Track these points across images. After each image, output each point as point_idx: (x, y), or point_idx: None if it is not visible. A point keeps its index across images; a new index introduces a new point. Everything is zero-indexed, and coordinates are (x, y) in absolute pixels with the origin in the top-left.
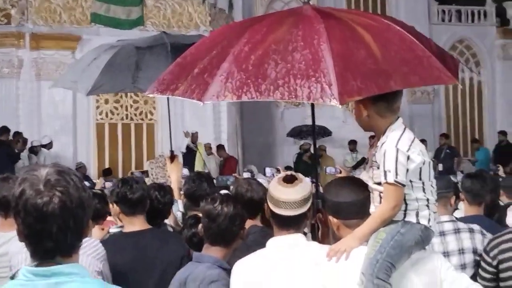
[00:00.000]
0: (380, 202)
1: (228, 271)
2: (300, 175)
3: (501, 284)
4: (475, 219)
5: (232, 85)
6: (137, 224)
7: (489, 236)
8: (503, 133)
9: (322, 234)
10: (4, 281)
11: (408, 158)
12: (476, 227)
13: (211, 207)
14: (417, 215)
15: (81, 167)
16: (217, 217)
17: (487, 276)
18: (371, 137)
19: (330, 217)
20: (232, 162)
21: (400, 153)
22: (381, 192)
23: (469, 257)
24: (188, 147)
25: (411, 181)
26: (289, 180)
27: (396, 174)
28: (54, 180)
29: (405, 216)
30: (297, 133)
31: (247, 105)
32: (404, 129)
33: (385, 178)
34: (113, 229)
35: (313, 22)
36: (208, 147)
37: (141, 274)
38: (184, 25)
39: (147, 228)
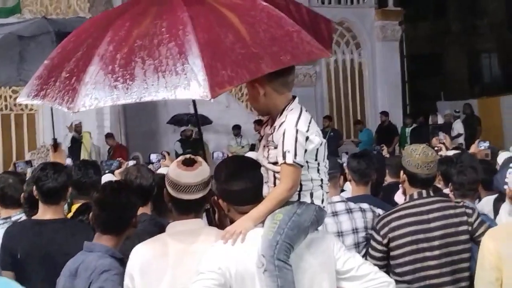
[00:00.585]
0: (275, 182)
1: (120, 260)
2: (199, 158)
3: (392, 262)
4: (363, 198)
5: (103, 91)
6: (49, 213)
7: (379, 212)
8: (384, 113)
9: (219, 218)
10: None
11: (307, 139)
12: (365, 205)
13: (101, 195)
14: (311, 195)
15: None
16: (108, 205)
17: (377, 254)
18: (256, 122)
19: (220, 200)
20: (122, 150)
21: (300, 134)
22: (276, 173)
23: (362, 236)
24: (73, 138)
25: (307, 162)
26: (189, 163)
27: (295, 154)
28: None
29: (299, 197)
30: (177, 121)
31: None
32: (301, 109)
33: (284, 158)
34: None
35: (177, 10)
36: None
37: (37, 263)
38: (62, 12)
39: (58, 218)
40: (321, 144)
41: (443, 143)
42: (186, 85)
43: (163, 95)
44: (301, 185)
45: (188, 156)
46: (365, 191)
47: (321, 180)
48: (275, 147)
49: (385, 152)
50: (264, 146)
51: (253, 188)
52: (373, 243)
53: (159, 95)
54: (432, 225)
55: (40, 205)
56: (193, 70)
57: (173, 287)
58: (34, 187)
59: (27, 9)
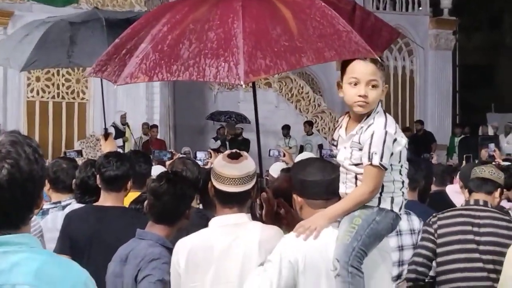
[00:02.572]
0: (356, 184)
1: (170, 250)
2: (245, 153)
3: (437, 259)
4: (410, 204)
5: (146, 66)
6: (109, 201)
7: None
8: (420, 122)
9: (266, 214)
10: None
11: (395, 140)
12: (412, 213)
13: (157, 185)
14: (392, 201)
15: None
16: (163, 195)
17: (430, 245)
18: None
19: (295, 196)
20: (162, 144)
21: (389, 136)
22: (358, 174)
23: (406, 239)
24: (116, 128)
25: (391, 165)
26: (234, 156)
27: (382, 157)
28: (5, 152)
29: (379, 202)
30: (215, 116)
31: (180, 86)
32: (385, 112)
33: (370, 160)
34: (47, 205)
35: (233, 0)
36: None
37: (96, 248)
38: (119, 4)
39: (119, 206)
40: (405, 145)
41: (493, 155)
42: (222, 68)
43: (198, 76)
44: (382, 186)
45: (234, 150)
46: (412, 197)
47: (403, 182)
48: (360, 149)
49: (434, 160)
50: (345, 148)
51: (329, 182)
52: (424, 234)
53: (195, 75)
54: (482, 230)
55: (102, 192)
56: (232, 56)
57: (217, 280)
58: (97, 174)
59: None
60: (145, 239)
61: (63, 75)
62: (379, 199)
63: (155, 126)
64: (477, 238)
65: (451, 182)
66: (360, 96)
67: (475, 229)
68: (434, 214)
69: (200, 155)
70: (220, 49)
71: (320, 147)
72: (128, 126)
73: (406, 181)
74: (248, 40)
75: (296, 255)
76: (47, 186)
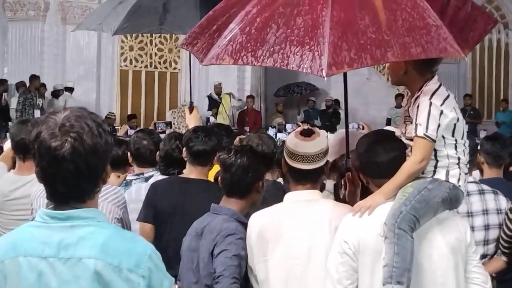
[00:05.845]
0: None
1: (245, 225)
2: (317, 129)
3: None
4: (496, 181)
5: (232, 48)
6: (194, 174)
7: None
8: None
9: (349, 193)
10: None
11: (442, 113)
12: (499, 193)
13: (226, 156)
14: (447, 173)
15: (110, 118)
16: (231, 167)
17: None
18: (398, 95)
19: (361, 176)
20: (257, 114)
21: (434, 107)
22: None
23: (492, 218)
24: (211, 98)
25: (443, 137)
26: (307, 133)
27: (427, 128)
28: (69, 125)
29: (434, 174)
30: (284, 90)
31: None
32: (440, 85)
33: (416, 131)
34: (130, 177)
35: None
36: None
37: (179, 219)
38: None
39: (203, 179)
40: (458, 120)
41: None
42: (306, 57)
43: (282, 64)
44: (436, 160)
45: (306, 126)
46: (498, 174)
47: (458, 158)
48: (412, 122)
49: None
50: (403, 122)
51: (390, 161)
52: (508, 223)
53: (279, 62)
54: None
55: (188, 165)
56: (317, 45)
57: (286, 255)
58: (185, 148)
59: None
60: (220, 214)
61: (155, 45)
62: (434, 171)
63: (251, 97)
64: None
65: None
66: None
67: None
68: None
69: (289, 126)
70: (306, 37)
71: None
72: (231, 96)
73: (464, 158)
74: (335, 30)
75: (353, 235)
76: (130, 158)
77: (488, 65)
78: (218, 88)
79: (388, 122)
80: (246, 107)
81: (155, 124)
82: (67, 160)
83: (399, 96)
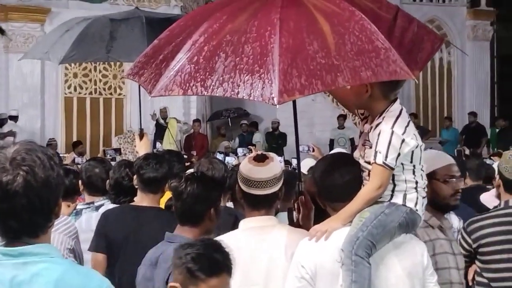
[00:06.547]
0: None
1: None
2: (271, 154)
3: (481, 265)
4: None
5: (181, 79)
6: (146, 201)
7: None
8: (473, 114)
9: (303, 217)
10: None
11: (403, 141)
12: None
13: (176, 184)
14: (404, 197)
15: (51, 144)
16: (182, 194)
17: (464, 253)
18: (340, 116)
19: (318, 200)
20: (203, 138)
21: (395, 136)
22: (370, 171)
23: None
24: (157, 123)
25: (402, 164)
26: (260, 159)
27: (386, 156)
28: (20, 158)
29: (392, 198)
30: (215, 116)
31: None
32: (401, 111)
33: (375, 158)
34: (81, 206)
35: (271, 11)
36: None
37: (131, 247)
38: (155, 0)
39: (155, 206)
40: (416, 147)
41: None
42: (256, 86)
43: (232, 93)
44: (394, 184)
45: (260, 152)
46: None
47: (416, 182)
48: (371, 147)
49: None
50: (362, 145)
51: (346, 185)
52: (462, 242)
53: (229, 91)
54: None
55: (139, 193)
56: (267, 73)
57: (244, 282)
58: (135, 175)
59: None
60: (174, 242)
61: (100, 71)
62: (391, 195)
63: (198, 120)
64: None
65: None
66: None
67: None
68: (473, 219)
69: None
70: (256, 64)
71: (352, 141)
72: (177, 121)
73: (422, 181)
74: (284, 56)
75: (310, 259)
76: (80, 187)
77: (431, 84)
78: (163, 113)
79: (332, 143)
80: (192, 131)
81: (104, 151)
82: (19, 195)
83: (341, 117)
